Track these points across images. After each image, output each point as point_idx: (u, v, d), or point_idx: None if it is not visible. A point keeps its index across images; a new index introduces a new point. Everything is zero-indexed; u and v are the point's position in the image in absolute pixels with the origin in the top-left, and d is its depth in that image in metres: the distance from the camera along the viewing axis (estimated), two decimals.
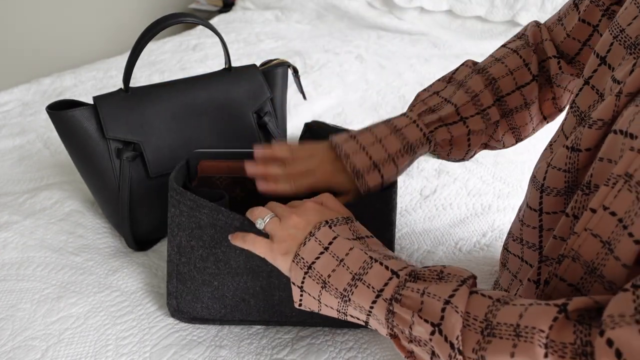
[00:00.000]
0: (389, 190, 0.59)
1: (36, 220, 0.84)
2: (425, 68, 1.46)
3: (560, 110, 0.64)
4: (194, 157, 0.66)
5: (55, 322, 0.66)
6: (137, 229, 0.78)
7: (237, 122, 0.82)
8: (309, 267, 0.47)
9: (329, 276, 0.46)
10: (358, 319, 0.47)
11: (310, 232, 0.49)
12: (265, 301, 0.62)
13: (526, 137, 0.66)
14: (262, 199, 0.65)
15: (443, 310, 0.39)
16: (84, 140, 0.73)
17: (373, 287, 0.44)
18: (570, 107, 0.49)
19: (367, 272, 0.45)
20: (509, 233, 0.55)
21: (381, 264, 0.45)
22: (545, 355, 0.34)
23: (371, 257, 0.46)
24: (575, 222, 0.41)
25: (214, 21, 2.05)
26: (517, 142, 0.66)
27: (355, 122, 1.18)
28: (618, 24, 0.45)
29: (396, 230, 0.82)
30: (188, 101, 0.78)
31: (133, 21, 2.40)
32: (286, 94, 0.90)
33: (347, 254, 0.47)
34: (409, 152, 0.58)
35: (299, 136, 0.83)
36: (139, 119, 0.74)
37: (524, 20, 1.65)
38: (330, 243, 0.48)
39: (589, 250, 0.38)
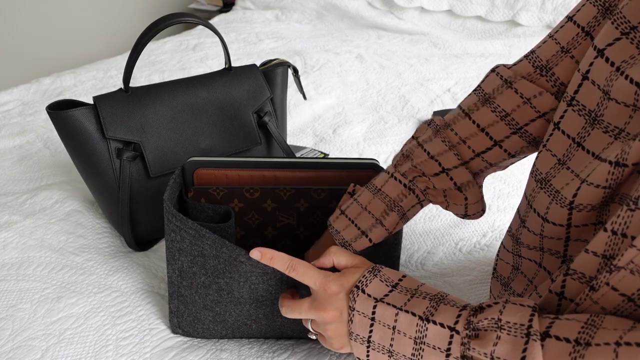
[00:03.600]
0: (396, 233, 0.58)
1: (36, 220, 0.84)
2: (425, 68, 1.46)
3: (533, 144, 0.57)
4: (190, 166, 0.64)
5: (55, 322, 0.66)
6: (137, 229, 0.78)
7: (237, 121, 0.82)
8: (369, 341, 0.47)
9: (391, 345, 0.46)
10: None
11: (350, 307, 0.48)
12: (268, 325, 0.61)
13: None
14: (260, 211, 0.65)
15: None
16: (84, 140, 0.73)
17: (439, 348, 0.43)
18: (571, 105, 0.46)
19: (426, 335, 0.44)
20: (519, 242, 0.53)
21: (434, 322, 0.44)
22: None
23: (420, 318, 0.45)
24: (614, 238, 0.39)
25: (214, 21, 2.05)
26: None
27: (355, 121, 1.18)
28: (625, 18, 0.42)
29: None
30: (188, 101, 0.78)
31: (133, 21, 2.40)
32: (286, 93, 0.90)
33: (395, 321, 0.46)
34: (394, 209, 0.56)
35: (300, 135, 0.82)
36: (139, 119, 0.74)
37: (524, 20, 1.65)
38: (373, 313, 0.47)
39: None
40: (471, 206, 0.57)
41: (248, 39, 1.77)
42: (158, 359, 0.61)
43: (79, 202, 0.89)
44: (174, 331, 0.64)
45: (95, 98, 0.73)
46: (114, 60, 1.60)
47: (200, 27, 1.88)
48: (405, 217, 0.57)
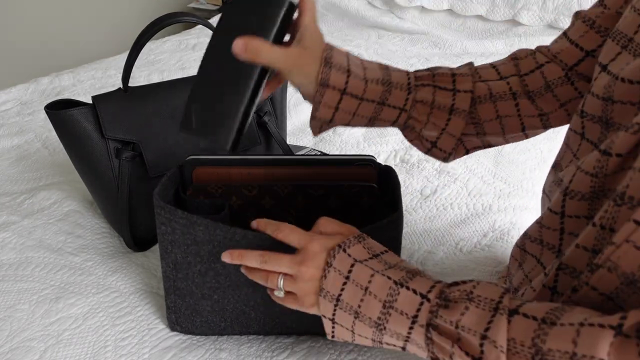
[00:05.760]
0: (397, 217, 0.57)
1: (34, 220, 0.84)
2: (425, 67, 1.45)
3: (546, 128, 0.60)
4: (189, 164, 0.64)
5: (54, 323, 0.65)
6: (136, 229, 0.77)
7: None
8: (337, 299, 0.47)
9: (359, 306, 0.46)
10: (394, 345, 0.46)
11: (327, 263, 0.48)
12: (266, 313, 0.61)
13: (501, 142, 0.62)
14: (259, 208, 0.65)
15: (481, 345, 0.39)
16: (82, 140, 0.72)
17: (406, 314, 0.44)
18: (581, 116, 0.48)
19: (396, 299, 0.44)
20: (526, 235, 0.54)
21: (408, 288, 0.44)
22: None
23: (395, 282, 0.45)
24: (602, 232, 0.40)
25: (213, 20, 2.04)
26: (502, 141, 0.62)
27: None
28: (623, 33, 0.45)
29: None
30: None
31: (132, 20, 2.40)
32: (286, 93, 0.90)
33: (369, 282, 0.46)
34: (385, 85, 0.54)
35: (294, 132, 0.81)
36: (138, 118, 0.74)
37: (525, 19, 1.64)
38: (349, 271, 0.47)
39: (629, 263, 0.37)
40: (445, 137, 0.57)
41: None
42: (157, 359, 0.61)
43: (77, 202, 0.89)
44: (172, 328, 0.64)
45: (94, 98, 0.73)
46: (113, 60, 1.60)
47: (199, 26, 1.88)
48: (381, 102, 0.54)
